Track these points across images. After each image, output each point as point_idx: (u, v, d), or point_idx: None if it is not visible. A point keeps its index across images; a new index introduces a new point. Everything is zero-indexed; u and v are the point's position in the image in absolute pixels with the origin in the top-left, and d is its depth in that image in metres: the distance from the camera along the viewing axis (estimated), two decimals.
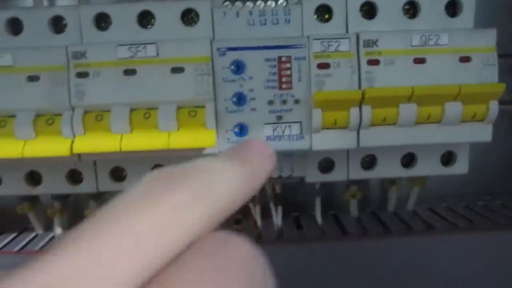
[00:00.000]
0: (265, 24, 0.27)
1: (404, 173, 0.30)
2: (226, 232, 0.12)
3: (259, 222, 0.33)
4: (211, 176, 0.12)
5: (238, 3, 0.28)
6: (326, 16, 0.28)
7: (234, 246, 0.12)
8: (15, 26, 0.27)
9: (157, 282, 0.10)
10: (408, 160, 0.30)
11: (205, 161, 0.13)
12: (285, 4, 0.28)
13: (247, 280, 0.11)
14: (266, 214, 0.33)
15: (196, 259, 0.11)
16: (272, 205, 0.33)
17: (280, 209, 0.33)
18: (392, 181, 0.34)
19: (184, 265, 0.11)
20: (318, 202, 0.33)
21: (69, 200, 0.34)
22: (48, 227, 0.34)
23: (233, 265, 0.11)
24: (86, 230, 0.10)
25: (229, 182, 0.13)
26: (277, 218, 0.33)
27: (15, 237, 0.33)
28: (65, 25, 0.27)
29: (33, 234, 0.33)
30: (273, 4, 0.29)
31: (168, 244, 0.11)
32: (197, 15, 0.27)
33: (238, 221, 0.34)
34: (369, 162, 0.30)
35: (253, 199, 0.32)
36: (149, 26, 0.27)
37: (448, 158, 0.30)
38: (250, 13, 0.26)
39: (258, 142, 0.20)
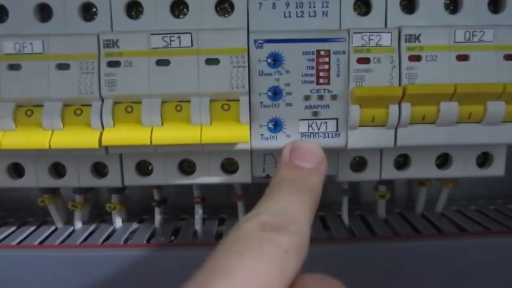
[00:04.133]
0: (302, 16, 0.26)
1: (438, 174, 0.29)
2: (323, 274, 0.15)
3: None
4: (299, 221, 0.16)
5: None
6: (364, 9, 0.27)
7: (335, 286, 0.15)
8: (44, 13, 0.26)
9: None
10: (442, 160, 0.29)
11: (289, 205, 0.16)
12: None
13: None
14: None
15: None
16: None
17: None
18: (422, 182, 0.33)
19: None
20: (345, 202, 0.32)
21: (90, 193, 0.33)
22: (68, 221, 0.33)
23: None
24: (213, 266, 0.13)
25: (309, 219, 0.17)
26: None
27: (34, 230, 0.32)
28: (95, 13, 0.26)
29: (52, 228, 0.32)
30: None
31: (282, 280, 0.13)
32: (231, 5, 0.26)
33: None
34: (401, 162, 0.29)
35: None
36: (181, 16, 0.26)
37: (483, 160, 0.29)
38: (287, 4, 0.25)
39: (312, 152, 0.20)
